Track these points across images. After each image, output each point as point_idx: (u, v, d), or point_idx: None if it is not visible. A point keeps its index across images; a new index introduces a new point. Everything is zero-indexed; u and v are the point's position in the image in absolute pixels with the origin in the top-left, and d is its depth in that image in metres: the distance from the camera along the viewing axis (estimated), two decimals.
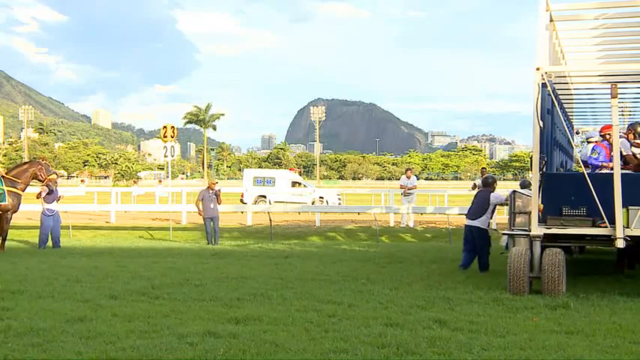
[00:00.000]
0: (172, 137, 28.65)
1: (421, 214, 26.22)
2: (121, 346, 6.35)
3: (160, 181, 47.63)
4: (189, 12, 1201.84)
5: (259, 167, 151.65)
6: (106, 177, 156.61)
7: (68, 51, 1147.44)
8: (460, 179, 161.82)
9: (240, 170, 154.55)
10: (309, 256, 15.76)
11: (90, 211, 28.74)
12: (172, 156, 29.23)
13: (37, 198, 18.34)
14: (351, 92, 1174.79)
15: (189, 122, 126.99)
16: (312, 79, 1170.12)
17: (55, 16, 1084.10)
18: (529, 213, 10.43)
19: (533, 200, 10.09)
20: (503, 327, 7.46)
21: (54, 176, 18.08)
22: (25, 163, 18.85)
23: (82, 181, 65.03)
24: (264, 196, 35.79)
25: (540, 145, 10.01)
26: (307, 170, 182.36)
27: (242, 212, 27.89)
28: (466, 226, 13.37)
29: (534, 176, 10.12)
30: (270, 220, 22.42)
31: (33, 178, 17.57)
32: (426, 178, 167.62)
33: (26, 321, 7.42)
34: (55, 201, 18.16)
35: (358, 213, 28.94)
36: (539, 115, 9.84)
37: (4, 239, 16.95)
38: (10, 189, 16.83)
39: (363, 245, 19.31)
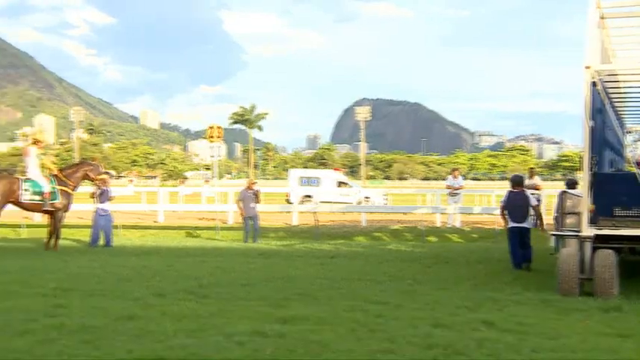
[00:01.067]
0: (218, 137, 28.82)
1: (468, 214, 26.01)
2: (169, 345, 6.42)
3: (207, 181, 47.86)
4: (235, 13, 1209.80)
5: (305, 167, 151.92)
6: (153, 177, 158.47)
7: (117, 52, 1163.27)
8: (508, 179, 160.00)
9: (285, 170, 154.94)
10: (355, 256, 15.74)
11: (138, 211, 29.11)
12: (218, 156, 29.40)
13: (91, 197, 18.66)
14: (396, 92, 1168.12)
15: (235, 122, 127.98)
16: (357, 79, 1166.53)
17: (104, 19, 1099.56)
18: (579, 214, 10.28)
19: (584, 201, 9.94)
20: (554, 329, 7.36)
21: (105, 176, 18.35)
22: (77, 163, 19.16)
23: (130, 181, 65.74)
24: (310, 196, 35.84)
25: (590, 144, 9.85)
26: (353, 170, 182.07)
27: (288, 212, 27.97)
28: (515, 227, 13.68)
29: (584, 176, 9.97)
30: (316, 220, 22.44)
31: (84, 178, 17.84)
32: (473, 178, 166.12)
33: (78, 318, 7.54)
34: (108, 200, 18.43)
35: (404, 213, 28.84)
36: (589, 114, 9.69)
37: (57, 238, 17.22)
38: (62, 188, 17.08)
39: (409, 245, 19.21)
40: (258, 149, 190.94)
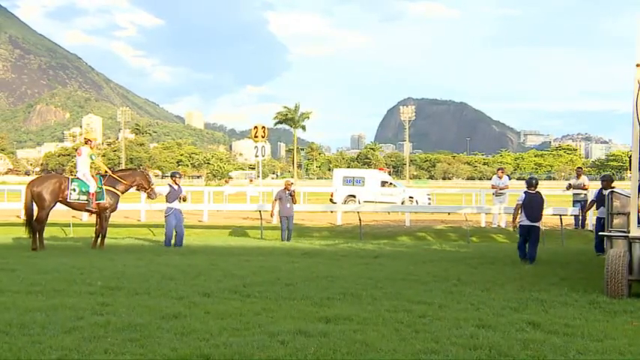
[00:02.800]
0: (263, 137, 28.99)
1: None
2: (214, 343, 6.46)
3: (251, 181, 48.24)
4: (280, 14, 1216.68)
5: (348, 167, 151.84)
6: (198, 176, 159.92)
7: (164, 54, 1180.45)
8: (554, 179, 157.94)
9: (329, 170, 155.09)
10: (398, 256, 15.69)
11: (183, 210, 29.29)
12: (263, 156, 29.59)
13: (152, 199, 19.11)
14: (441, 92, 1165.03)
15: (280, 122, 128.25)
16: (402, 79, 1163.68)
17: (152, 21, 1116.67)
18: (627, 214, 10.10)
19: (632, 201, 9.76)
20: (601, 331, 7.24)
21: (154, 187, 18.43)
22: (132, 169, 19.43)
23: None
24: (354, 196, 35.79)
25: None
26: (397, 170, 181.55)
27: (332, 212, 27.97)
28: (528, 226, 14.98)
29: (634, 176, 9.79)
30: (360, 219, 22.41)
31: (135, 186, 18.00)
32: (519, 178, 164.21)
33: (124, 316, 7.63)
34: (178, 200, 18.60)
35: (448, 213, 28.63)
36: (639, 112, 9.51)
37: (103, 237, 17.46)
38: (109, 188, 17.33)
39: (453, 245, 19.09)
40: (302, 149, 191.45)
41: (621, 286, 9.40)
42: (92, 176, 17.16)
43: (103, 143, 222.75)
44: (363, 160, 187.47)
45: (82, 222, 25.88)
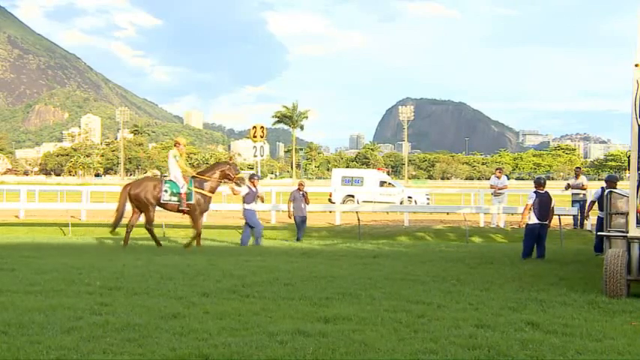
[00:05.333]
0: (262, 137, 28.99)
1: (512, 214, 25.74)
2: (213, 343, 6.46)
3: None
4: (279, 13, 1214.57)
5: (347, 167, 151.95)
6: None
7: (162, 54, 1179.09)
8: (553, 179, 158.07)
9: (328, 170, 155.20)
10: (397, 256, 15.68)
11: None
12: (262, 156, 29.58)
13: (234, 195, 19.74)
14: (440, 91, 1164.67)
15: (278, 121, 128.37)
16: (401, 79, 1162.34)
17: (150, 21, 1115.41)
18: (626, 214, 10.10)
19: (631, 201, 9.77)
20: (600, 331, 7.24)
21: (242, 174, 18.85)
22: (213, 164, 19.69)
23: None
24: (353, 196, 35.83)
25: (639, 143, 9.67)
26: (395, 170, 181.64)
27: (330, 212, 27.99)
28: (537, 224, 15.19)
29: (632, 176, 9.80)
30: (359, 219, 22.43)
31: (222, 178, 18.31)
32: (517, 178, 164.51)
33: (123, 316, 7.63)
34: (254, 201, 18.67)
35: (447, 213, 28.67)
36: (637, 112, 9.52)
37: (197, 236, 17.86)
38: (199, 190, 17.68)
39: (452, 245, 19.10)
40: (301, 149, 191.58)
41: (620, 286, 9.40)
42: (184, 177, 17.62)
43: (101, 143, 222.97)
44: (362, 160, 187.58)
45: (81, 222, 25.91)
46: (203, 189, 17.73)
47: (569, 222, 23.45)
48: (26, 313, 7.69)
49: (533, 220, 15.23)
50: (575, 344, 6.60)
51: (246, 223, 18.84)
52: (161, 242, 18.02)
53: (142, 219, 18.02)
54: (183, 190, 17.44)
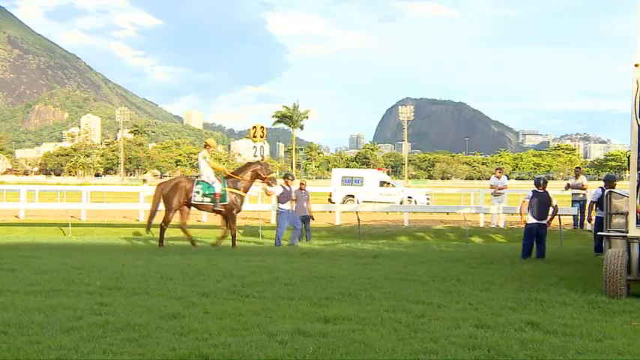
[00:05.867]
0: (262, 137, 28.95)
1: (512, 214, 25.73)
2: (212, 343, 6.46)
3: None
4: (279, 14, 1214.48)
5: (347, 167, 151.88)
6: (197, 176, 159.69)
7: (162, 54, 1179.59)
8: (553, 179, 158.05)
9: (328, 170, 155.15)
10: (397, 256, 15.68)
11: None
12: (262, 156, 29.54)
13: (267, 195, 19.93)
14: (440, 91, 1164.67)
15: (278, 121, 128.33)
16: (401, 79, 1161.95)
17: (150, 21, 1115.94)
18: (626, 214, 10.10)
19: (631, 201, 9.77)
20: (600, 331, 7.24)
21: (274, 174, 18.88)
22: (245, 164, 19.68)
23: None
24: (353, 196, 35.82)
25: (638, 143, 9.66)
26: (395, 170, 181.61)
27: (330, 212, 27.96)
28: (535, 224, 15.36)
29: (632, 175, 9.80)
30: (359, 219, 22.42)
31: (255, 178, 18.38)
32: (517, 178, 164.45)
33: (123, 316, 7.63)
34: (289, 201, 18.64)
35: (447, 213, 28.66)
36: (637, 112, 9.52)
37: (233, 237, 17.96)
38: (232, 190, 17.79)
39: (452, 245, 19.10)
40: (301, 149, 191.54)
41: (620, 286, 9.40)
42: (217, 178, 17.79)
43: (101, 143, 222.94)
44: (362, 160, 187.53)
45: (81, 222, 25.91)
46: (237, 189, 17.79)
47: (569, 222, 23.44)
48: (26, 313, 7.69)
49: (531, 219, 15.42)
50: (575, 344, 6.60)
51: (280, 223, 18.77)
52: (164, 244, 18.01)
53: (178, 218, 18.18)
54: (217, 190, 17.54)
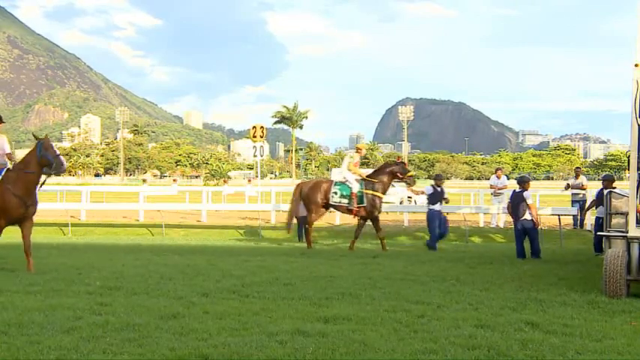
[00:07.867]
0: (262, 137, 29.02)
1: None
2: (212, 343, 6.46)
3: (250, 181, 48.20)
4: (279, 14, 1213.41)
5: None
6: (197, 176, 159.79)
7: (162, 54, 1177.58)
8: (552, 179, 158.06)
9: (328, 170, 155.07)
10: (397, 256, 15.69)
11: (182, 210, 29.35)
12: (261, 156, 29.61)
13: (415, 195, 20.29)
14: (439, 91, 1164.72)
15: (278, 121, 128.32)
16: (401, 79, 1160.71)
17: (150, 21, 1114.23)
18: (626, 214, 10.10)
19: (631, 201, 9.77)
20: (600, 331, 7.24)
21: (412, 172, 18.92)
22: (381, 165, 19.66)
23: (174, 180, 66.55)
24: None
25: (638, 143, 9.67)
26: None
27: (330, 211, 27.91)
28: (520, 222, 15.33)
29: (632, 175, 9.80)
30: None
31: (392, 179, 18.26)
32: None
33: (123, 316, 7.63)
34: (439, 202, 18.40)
35: (447, 213, 28.61)
36: (637, 112, 9.52)
37: (382, 239, 17.86)
38: (370, 192, 17.70)
39: (452, 245, 19.10)
40: (300, 149, 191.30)
41: (620, 286, 9.40)
42: (357, 180, 17.77)
43: (101, 143, 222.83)
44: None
45: (81, 222, 25.92)
46: (375, 190, 17.74)
47: (569, 222, 23.44)
48: (26, 313, 7.70)
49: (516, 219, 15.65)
50: (575, 344, 6.60)
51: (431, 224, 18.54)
52: (312, 245, 18.01)
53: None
54: (355, 190, 17.57)
